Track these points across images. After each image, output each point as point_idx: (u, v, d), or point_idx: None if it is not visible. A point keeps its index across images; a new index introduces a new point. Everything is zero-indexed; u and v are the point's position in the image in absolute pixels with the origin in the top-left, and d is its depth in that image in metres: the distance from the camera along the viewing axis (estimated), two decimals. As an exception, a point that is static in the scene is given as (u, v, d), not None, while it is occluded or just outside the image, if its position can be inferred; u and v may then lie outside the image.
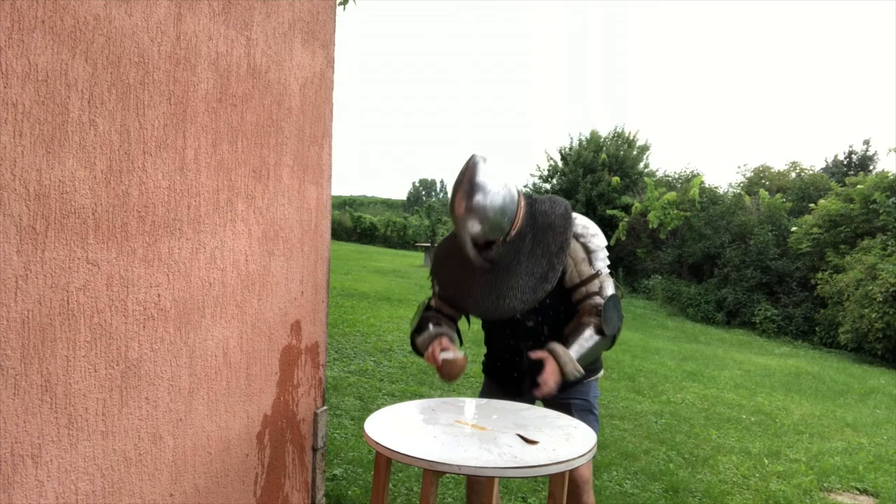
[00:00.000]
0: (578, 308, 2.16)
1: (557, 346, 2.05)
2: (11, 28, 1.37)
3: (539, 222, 2.11)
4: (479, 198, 1.97)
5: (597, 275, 2.11)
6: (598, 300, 2.11)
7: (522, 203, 2.09)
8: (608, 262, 2.15)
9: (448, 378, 2.12)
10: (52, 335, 1.51)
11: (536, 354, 2.06)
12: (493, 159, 2.03)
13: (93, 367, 1.61)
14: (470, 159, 2.04)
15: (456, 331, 2.31)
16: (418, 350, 2.25)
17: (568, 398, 2.23)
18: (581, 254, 2.11)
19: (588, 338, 2.08)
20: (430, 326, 2.22)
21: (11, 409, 1.43)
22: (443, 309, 2.29)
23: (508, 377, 2.30)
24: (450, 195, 2.09)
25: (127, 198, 1.68)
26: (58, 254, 1.51)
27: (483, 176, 1.99)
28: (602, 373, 2.35)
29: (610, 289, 2.12)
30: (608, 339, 2.11)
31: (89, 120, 1.56)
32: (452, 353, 2.10)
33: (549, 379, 2.01)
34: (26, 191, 1.43)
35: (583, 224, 2.13)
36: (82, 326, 1.58)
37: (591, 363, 2.19)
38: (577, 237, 2.11)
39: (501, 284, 2.11)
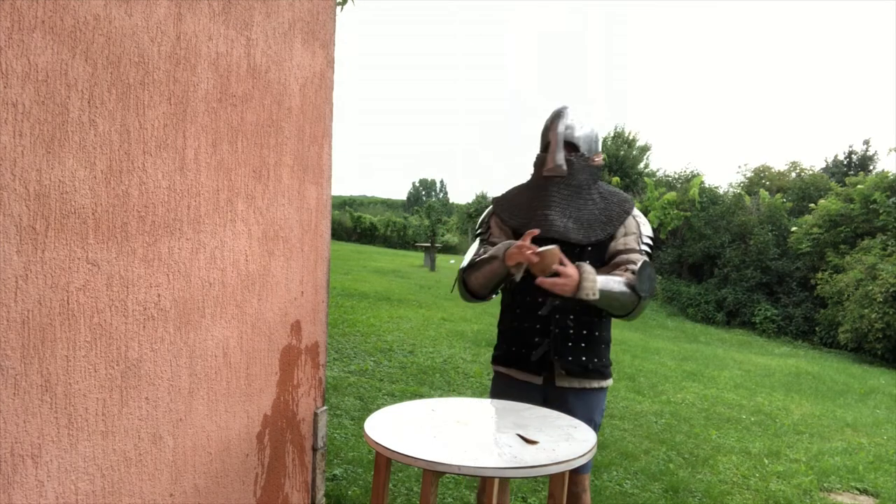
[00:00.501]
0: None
1: (586, 265, 2.00)
2: (11, 28, 1.37)
3: (606, 188, 2.26)
4: (574, 114, 2.25)
5: (640, 252, 2.15)
6: (636, 259, 2.12)
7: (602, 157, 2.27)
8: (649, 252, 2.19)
9: (542, 271, 1.97)
10: (52, 335, 1.51)
11: (562, 269, 1.96)
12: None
13: (93, 367, 1.61)
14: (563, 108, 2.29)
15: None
16: (475, 288, 2.23)
17: (575, 413, 2.13)
18: (634, 229, 2.18)
19: (617, 282, 2.04)
20: (489, 250, 2.19)
21: (11, 409, 1.43)
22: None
23: (528, 342, 2.19)
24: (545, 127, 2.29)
25: (127, 198, 1.68)
26: (58, 254, 1.51)
27: (583, 114, 2.26)
28: (611, 382, 2.27)
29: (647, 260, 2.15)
30: (634, 298, 2.04)
31: (89, 120, 1.56)
32: (550, 250, 1.95)
33: (566, 280, 1.94)
34: (26, 191, 1.43)
35: (640, 213, 2.25)
36: (82, 326, 1.58)
37: (601, 362, 2.19)
38: (635, 216, 2.22)
39: (568, 206, 2.18)
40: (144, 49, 1.70)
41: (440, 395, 5.14)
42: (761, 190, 17.48)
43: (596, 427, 2.22)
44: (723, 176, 70.13)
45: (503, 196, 2.40)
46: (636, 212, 2.25)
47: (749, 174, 21.29)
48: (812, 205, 15.31)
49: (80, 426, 1.59)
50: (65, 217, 1.52)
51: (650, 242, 2.21)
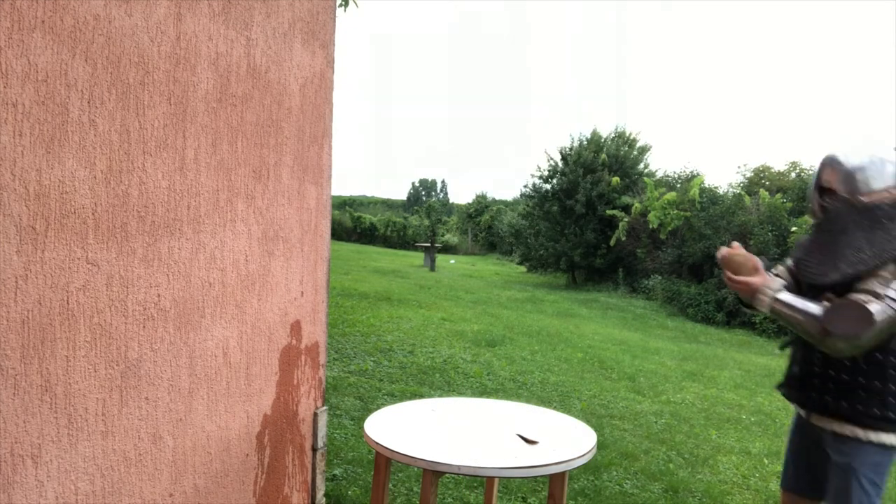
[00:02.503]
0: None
1: (777, 280, 2.07)
2: (11, 28, 1.37)
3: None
4: (843, 152, 2.14)
5: (877, 295, 1.98)
6: (855, 296, 1.99)
7: (891, 196, 2.05)
8: None
9: (732, 271, 2.11)
10: (52, 335, 1.51)
11: (747, 277, 2.07)
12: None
13: (93, 367, 1.61)
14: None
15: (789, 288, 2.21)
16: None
17: (833, 454, 2.08)
18: (888, 274, 2.01)
19: (808, 304, 2.01)
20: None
21: (11, 409, 1.43)
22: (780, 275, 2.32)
23: (801, 378, 2.18)
24: None
25: (127, 198, 1.68)
26: (58, 254, 1.51)
27: (867, 145, 2.14)
28: (894, 439, 2.02)
29: (873, 307, 1.95)
30: (818, 328, 1.98)
31: (89, 120, 1.56)
32: (744, 255, 2.11)
33: (745, 283, 2.04)
34: (26, 191, 1.43)
35: None
36: (82, 326, 1.58)
37: (879, 409, 2.03)
38: None
39: (824, 248, 2.13)
40: (144, 49, 1.70)
41: (440, 396, 5.14)
42: (761, 190, 17.48)
43: (857, 478, 2.04)
44: (723, 176, 70.16)
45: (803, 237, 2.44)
46: None
47: (749, 174, 21.29)
48: (812, 205, 15.27)
49: (79, 426, 1.59)
50: (65, 217, 1.52)
51: None
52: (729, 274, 2.09)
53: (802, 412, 2.19)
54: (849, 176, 2.09)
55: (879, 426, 2.01)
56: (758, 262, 2.08)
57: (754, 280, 2.03)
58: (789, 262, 2.34)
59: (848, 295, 2.00)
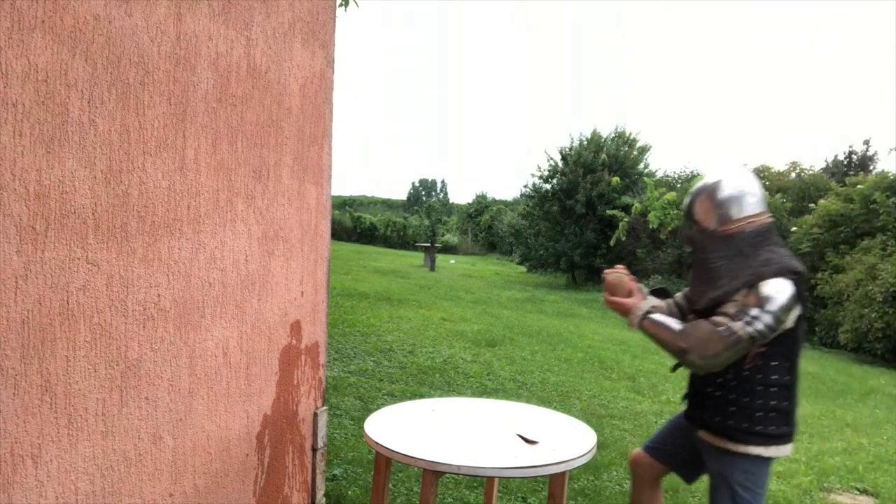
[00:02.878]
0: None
1: (650, 301, 2.27)
2: (11, 28, 1.37)
3: (754, 262, 2.18)
4: (709, 182, 2.27)
5: (732, 317, 2.11)
6: (713, 318, 2.14)
7: (743, 228, 2.21)
8: (766, 328, 2.08)
9: (609, 292, 2.32)
10: (52, 335, 1.51)
11: (624, 299, 2.30)
12: (756, 182, 2.29)
13: (93, 367, 1.61)
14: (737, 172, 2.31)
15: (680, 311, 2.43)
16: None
17: (709, 463, 2.30)
18: (757, 301, 2.11)
19: (672, 324, 2.18)
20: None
21: (11, 409, 1.43)
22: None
23: (691, 396, 2.35)
24: None
25: (127, 198, 1.68)
26: (58, 254, 1.51)
27: (731, 176, 2.27)
28: (761, 451, 2.17)
29: (723, 328, 2.09)
30: (677, 347, 2.15)
31: (89, 120, 1.56)
32: (618, 276, 2.31)
33: (621, 304, 2.27)
34: (26, 191, 1.43)
35: (775, 288, 2.12)
36: (82, 326, 1.58)
37: (759, 425, 2.17)
38: (759, 290, 2.12)
39: (697, 274, 2.33)
40: (144, 49, 1.70)
41: (440, 396, 5.14)
42: (761, 190, 17.46)
43: (731, 486, 2.22)
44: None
45: None
46: (765, 286, 2.12)
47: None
48: (812, 205, 15.30)
49: (79, 426, 1.59)
50: (65, 217, 1.52)
51: (769, 320, 2.07)
52: (606, 294, 2.30)
53: (693, 428, 2.33)
54: (712, 208, 2.24)
55: (748, 440, 2.16)
56: (634, 286, 2.30)
57: (627, 301, 2.25)
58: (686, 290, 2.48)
59: (711, 318, 2.16)
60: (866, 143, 22.61)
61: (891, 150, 21.40)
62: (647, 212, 17.45)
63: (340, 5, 4.77)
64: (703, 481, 3.84)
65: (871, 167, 21.30)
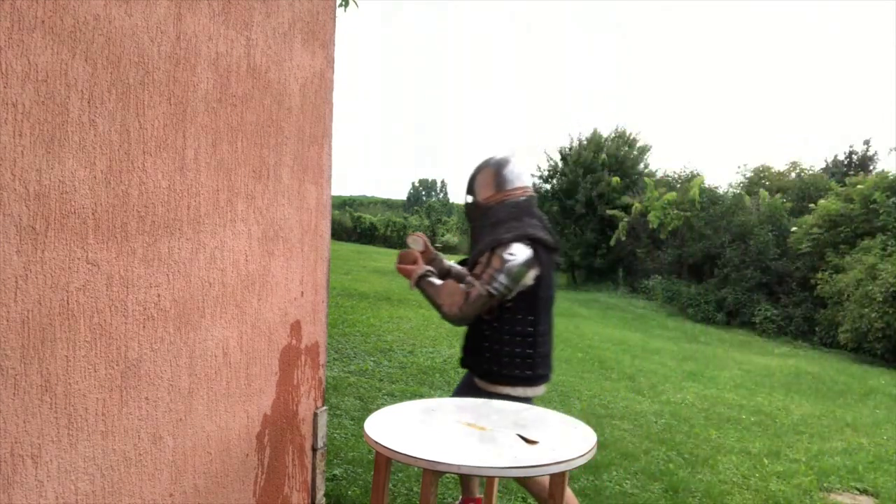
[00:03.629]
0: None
1: (426, 268, 2.60)
2: (11, 28, 1.37)
3: (501, 230, 2.52)
4: (482, 160, 2.66)
5: (477, 277, 2.47)
6: (468, 278, 2.52)
7: (503, 200, 2.56)
8: (502, 286, 2.40)
9: (399, 259, 2.66)
10: (52, 335, 1.51)
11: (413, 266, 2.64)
12: (520, 159, 2.67)
13: (93, 367, 1.61)
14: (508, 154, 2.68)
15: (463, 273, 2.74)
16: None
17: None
18: (494, 263, 2.44)
19: (437, 286, 2.53)
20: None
21: (11, 409, 1.43)
22: None
23: (464, 346, 2.67)
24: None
25: (127, 198, 1.68)
26: (58, 254, 1.51)
27: (498, 156, 2.65)
28: (509, 391, 2.47)
29: (468, 287, 2.44)
30: (436, 304, 2.52)
31: (89, 120, 1.56)
32: (407, 250, 2.68)
33: (408, 266, 2.60)
34: (26, 191, 1.43)
35: (511, 252, 2.44)
36: (82, 326, 1.58)
37: (506, 369, 2.49)
38: (498, 254, 2.46)
39: (471, 241, 2.71)
40: (144, 49, 1.70)
41: (440, 396, 5.14)
42: (761, 190, 17.48)
43: None
44: (723, 176, 70.16)
45: None
46: (506, 248, 2.44)
47: (749, 174, 21.29)
48: (812, 205, 15.30)
49: (79, 426, 1.59)
50: (65, 217, 1.52)
51: (505, 280, 2.40)
52: (396, 262, 2.65)
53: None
54: (480, 182, 2.62)
55: (499, 381, 2.50)
56: (418, 255, 2.65)
57: (409, 267, 2.58)
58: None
59: (470, 277, 2.54)
60: (866, 143, 22.61)
61: (891, 150, 21.39)
62: (647, 212, 17.46)
63: (340, 5, 4.77)
64: (705, 481, 3.84)
65: (872, 167, 21.29)
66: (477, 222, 2.62)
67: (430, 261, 2.71)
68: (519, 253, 2.42)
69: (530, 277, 2.45)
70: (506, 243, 2.44)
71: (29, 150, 1.43)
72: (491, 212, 2.56)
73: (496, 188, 2.57)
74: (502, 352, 2.47)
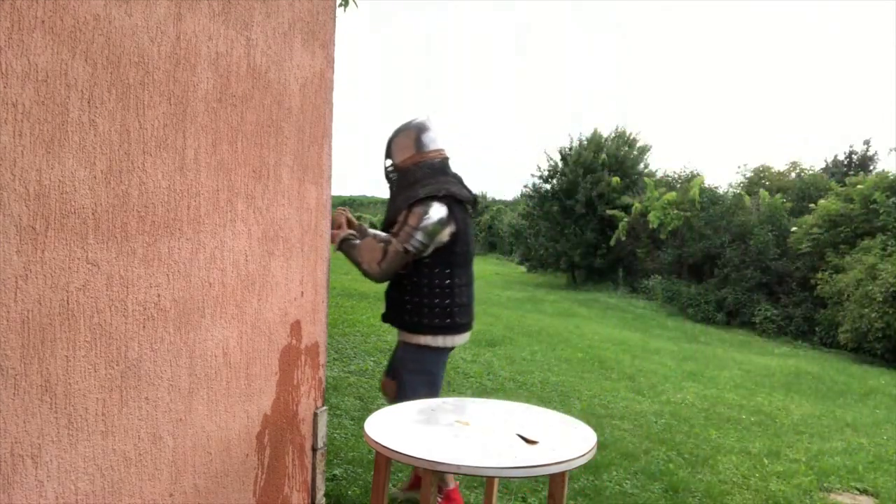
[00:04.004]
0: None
1: (350, 232, 2.81)
2: (11, 28, 1.37)
3: (419, 189, 2.66)
4: (400, 125, 2.79)
5: (395, 234, 2.63)
6: (393, 242, 2.64)
7: (419, 162, 2.70)
8: (418, 244, 2.57)
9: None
10: (52, 335, 1.51)
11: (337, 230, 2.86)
12: (436, 123, 2.80)
13: (93, 367, 1.61)
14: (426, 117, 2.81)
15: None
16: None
17: (398, 353, 2.88)
18: (410, 221, 2.59)
19: (357, 246, 2.72)
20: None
21: (11, 409, 1.43)
22: None
23: (387, 301, 2.89)
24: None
25: (127, 198, 1.68)
26: (57, 254, 1.51)
27: (414, 120, 2.78)
28: (429, 340, 2.69)
29: (385, 245, 2.61)
30: (356, 262, 2.71)
31: (89, 120, 1.56)
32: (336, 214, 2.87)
33: (334, 231, 2.76)
34: (26, 191, 1.43)
35: (424, 213, 2.58)
36: (82, 326, 1.58)
37: (426, 318, 2.67)
38: (414, 212, 2.60)
39: (391, 202, 2.83)
40: (144, 49, 1.70)
41: (440, 396, 5.13)
42: (761, 190, 17.49)
43: (406, 367, 2.77)
44: (723, 176, 70.20)
45: None
46: (419, 208, 2.59)
47: (749, 174, 21.30)
48: (812, 205, 15.31)
49: (79, 426, 1.59)
50: (65, 217, 1.52)
51: (421, 237, 2.57)
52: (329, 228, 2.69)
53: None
54: (396, 146, 2.74)
55: (419, 330, 2.68)
56: (343, 221, 2.85)
57: (335, 232, 2.74)
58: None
59: (389, 237, 2.67)
60: (866, 143, 22.62)
61: (891, 150, 21.38)
62: (647, 212, 17.46)
63: (340, 5, 4.77)
64: (705, 481, 3.84)
65: (872, 167, 21.29)
66: (395, 185, 2.75)
67: (356, 230, 2.88)
68: (434, 212, 2.56)
69: (446, 234, 2.59)
70: (421, 201, 2.58)
71: (29, 150, 1.43)
72: (409, 173, 2.69)
73: (414, 150, 2.69)
74: (422, 304, 2.63)
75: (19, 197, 1.41)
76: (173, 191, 1.83)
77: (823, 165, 22.51)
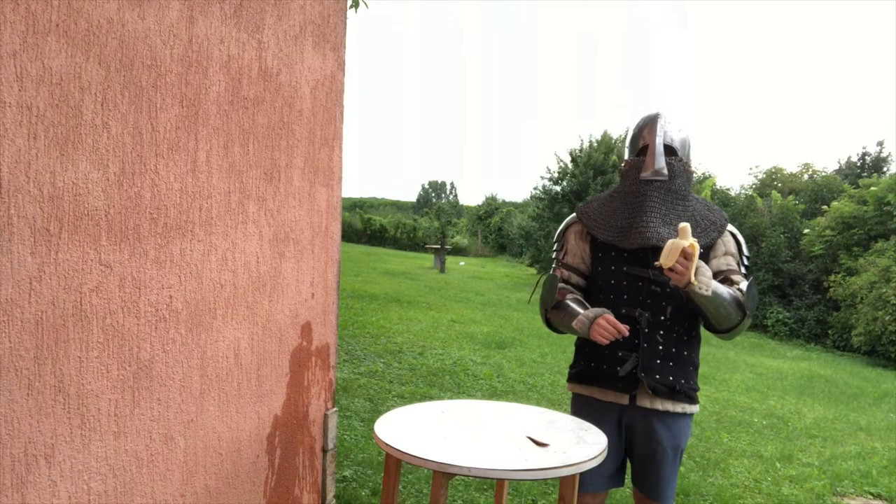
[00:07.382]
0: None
1: (703, 263, 1.94)
2: (26, 32, 1.38)
3: (700, 198, 2.19)
4: (670, 118, 2.16)
5: (741, 273, 2.08)
6: (739, 280, 2.05)
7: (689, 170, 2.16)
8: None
9: (666, 260, 1.89)
10: (66, 336, 1.52)
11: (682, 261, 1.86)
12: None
13: (105, 368, 1.63)
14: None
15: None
16: (559, 327, 2.25)
17: (661, 439, 2.10)
18: (733, 249, 2.11)
19: (727, 291, 1.96)
20: (575, 304, 2.15)
21: (25, 410, 1.44)
22: (570, 279, 2.25)
23: (612, 358, 2.12)
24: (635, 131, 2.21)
25: (139, 200, 1.69)
26: (71, 255, 1.52)
27: (672, 117, 2.18)
28: (697, 409, 2.16)
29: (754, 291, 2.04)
30: (740, 314, 1.98)
31: (102, 122, 1.57)
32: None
33: (686, 269, 1.83)
34: (40, 193, 1.44)
35: (736, 229, 2.17)
36: (95, 327, 1.59)
37: (689, 384, 2.08)
38: (733, 232, 2.15)
39: (669, 212, 2.07)
40: (157, 52, 1.71)
41: (450, 398, 5.14)
42: (773, 192, 17.36)
43: (681, 454, 2.16)
44: (734, 178, 69.85)
45: (588, 204, 2.28)
46: (733, 228, 2.15)
47: (761, 176, 21.15)
48: (825, 207, 15.19)
49: (92, 426, 1.60)
50: (78, 219, 1.53)
51: (746, 263, 2.15)
52: (681, 260, 1.85)
53: (625, 398, 2.16)
54: (685, 143, 2.15)
55: (694, 398, 2.12)
56: (684, 244, 1.89)
57: (688, 270, 1.84)
58: (577, 231, 2.26)
59: (729, 277, 2.06)
60: (880, 144, 22.40)
61: (905, 151, 21.14)
62: (657, 214, 17.36)
63: (350, 7, 4.78)
64: (717, 485, 3.81)
65: (885, 169, 21.09)
66: (662, 191, 2.07)
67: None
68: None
69: None
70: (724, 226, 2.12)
71: (43, 153, 1.44)
72: (689, 181, 2.13)
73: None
74: (696, 361, 2.17)
75: (34, 199, 1.43)
76: (185, 193, 1.84)
77: (836, 167, 22.31)
